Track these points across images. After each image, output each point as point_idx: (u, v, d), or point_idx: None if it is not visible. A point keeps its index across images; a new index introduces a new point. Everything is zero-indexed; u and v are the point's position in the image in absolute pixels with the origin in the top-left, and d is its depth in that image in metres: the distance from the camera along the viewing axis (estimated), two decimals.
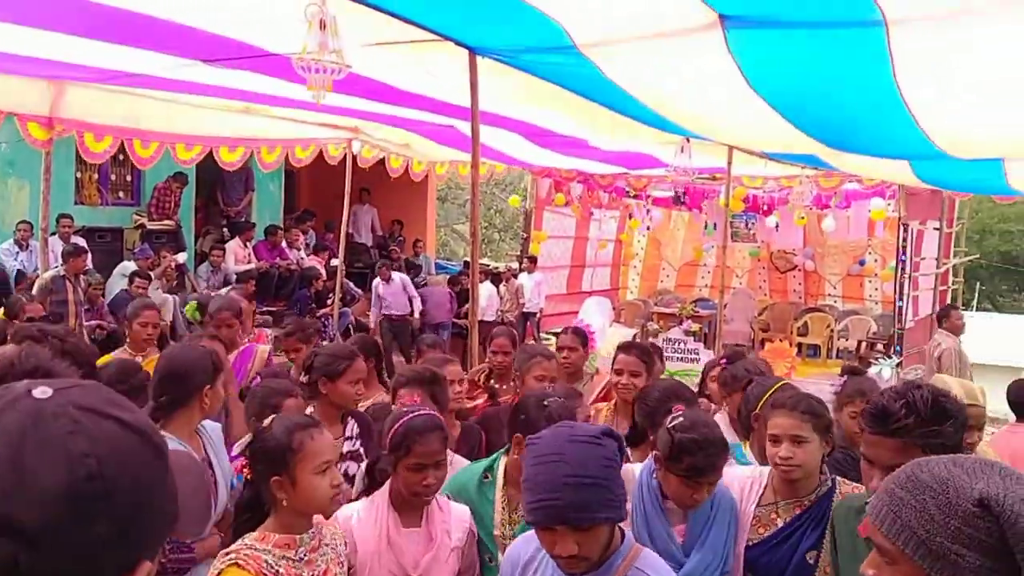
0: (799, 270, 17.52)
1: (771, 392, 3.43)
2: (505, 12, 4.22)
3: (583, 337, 5.35)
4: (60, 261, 9.31)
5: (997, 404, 9.93)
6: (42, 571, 0.89)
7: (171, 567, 3.02)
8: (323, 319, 11.23)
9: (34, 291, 8.01)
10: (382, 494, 2.81)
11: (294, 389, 3.91)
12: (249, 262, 12.43)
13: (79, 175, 11.95)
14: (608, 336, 10.98)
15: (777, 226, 14.75)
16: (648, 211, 15.94)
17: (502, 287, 14.06)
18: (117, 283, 10.24)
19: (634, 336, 13.37)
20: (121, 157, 9.95)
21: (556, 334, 14.59)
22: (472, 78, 5.10)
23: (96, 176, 12.24)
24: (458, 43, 4.85)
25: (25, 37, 5.00)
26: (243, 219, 13.77)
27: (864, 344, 14.19)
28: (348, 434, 3.83)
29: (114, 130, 8.06)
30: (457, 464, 3.33)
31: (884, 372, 10.93)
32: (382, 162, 10.91)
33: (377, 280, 12.68)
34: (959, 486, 1.34)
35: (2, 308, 6.93)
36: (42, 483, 0.89)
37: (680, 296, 17.08)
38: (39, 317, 6.19)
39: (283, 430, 2.49)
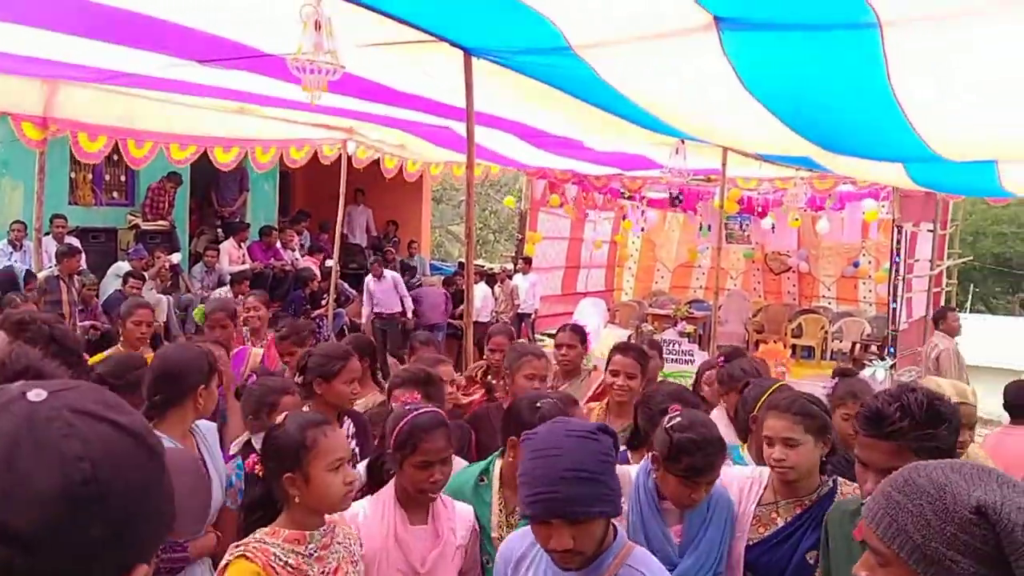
0: (793, 272, 17.55)
1: (768, 393, 3.43)
2: (501, 13, 4.23)
3: (581, 334, 5.37)
4: (54, 261, 9.29)
5: (991, 406, 9.96)
6: (37, 575, 0.89)
7: (164, 567, 3.01)
8: (318, 320, 11.21)
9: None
10: (388, 491, 2.81)
11: (291, 386, 3.92)
12: (243, 263, 12.41)
13: (73, 175, 11.92)
14: (603, 337, 10.97)
15: (773, 227, 14.78)
16: (643, 212, 15.95)
17: (497, 288, 14.06)
18: (111, 283, 10.23)
19: (629, 337, 13.40)
20: (115, 157, 9.92)
21: (551, 335, 14.63)
22: (467, 79, 5.10)
23: (90, 176, 12.22)
24: (453, 44, 4.85)
25: (19, 36, 4.99)
26: (237, 220, 13.75)
27: (858, 346, 14.22)
28: (345, 434, 3.83)
29: (108, 130, 8.04)
30: (456, 464, 3.33)
31: (878, 374, 10.93)
32: (377, 163, 10.90)
33: (369, 277, 12.73)
34: (956, 492, 1.35)
35: None
36: (36, 487, 0.89)
37: (675, 297, 17.10)
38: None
39: (296, 427, 2.49)
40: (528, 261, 14.65)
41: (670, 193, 14.89)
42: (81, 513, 0.90)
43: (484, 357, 5.63)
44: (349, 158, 10.22)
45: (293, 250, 13.51)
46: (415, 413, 2.82)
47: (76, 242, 10.39)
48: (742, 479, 3.04)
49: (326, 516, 2.53)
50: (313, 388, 3.98)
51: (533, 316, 14.52)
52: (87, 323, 9.12)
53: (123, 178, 12.83)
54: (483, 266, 16.71)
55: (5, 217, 10.77)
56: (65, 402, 0.96)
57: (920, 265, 13.02)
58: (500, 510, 3.09)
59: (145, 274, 10.18)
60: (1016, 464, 5.50)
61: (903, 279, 12.28)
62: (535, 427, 2.36)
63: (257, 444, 3.59)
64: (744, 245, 17.21)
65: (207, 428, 3.46)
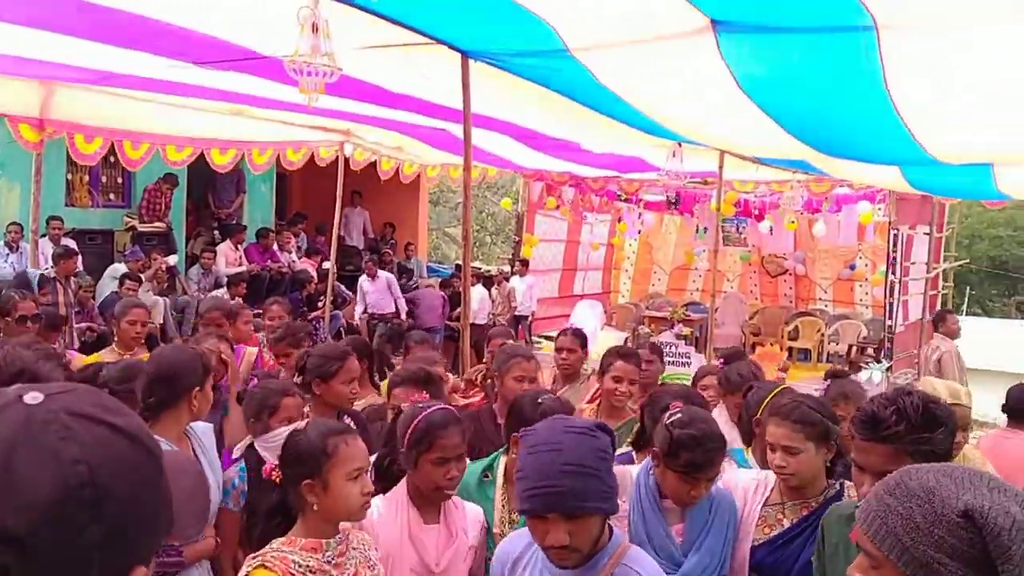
0: (790, 274, 17.56)
1: (771, 396, 3.44)
2: (498, 15, 4.23)
3: (582, 339, 5.39)
4: (50, 263, 9.28)
5: (987, 408, 9.97)
6: None
7: (158, 570, 3.00)
8: (314, 322, 11.21)
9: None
10: (400, 490, 2.81)
11: (291, 388, 3.91)
12: (240, 265, 12.40)
13: (70, 177, 11.91)
14: (599, 340, 10.98)
15: (771, 230, 14.79)
16: (640, 215, 15.96)
17: (494, 290, 14.06)
18: (107, 285, 10.21)
19: (625, 340, 13.40)
20: (112, 159, 9.91)
21: (548, 337, 14.65)
22: (464, 81, 5.10)
23: (87, 178, 12.21)
24: (451, 47, 4.85)
25: (16, 37, 4.99)
26: (234, 221, 13.75)
27: (854, 348, 14.23)
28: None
29: (105, 131, 8.04)
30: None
31: (874, 376, 10.95)
32: (374, 165, 10.90)
33: (363, 276, 12.75)
34: (945, 496, 1.36)
35: None
36: (34, 490, 0.89)
37: (671, 300, 17.09)
38: (31, 315, 6.16)
39: (318, 434, 2.48)
40: (525, 263, 14.65)
41: (667, 196, 14.89)
42: (78, 516, 0.90)
43: (483, 360, 5.63)
44: (346, 160, 10.21)
45: (290, 252, 13.50)
46: (429, 410, 2.83)
47: (72, 244, 10.37)
48: (747, 482, 3.05)
49: (340, 524, 2.52)
50: (312, 389, 3.98)
51: (530, 318, 14.52)
52: (83, 325, 9.11)
53: (120, 180, 12.81)
54: (480, 268, 16.70)
55: (1, 219, 10.75)
56: (62, 405, 0.95)
57: (916, 268, 13.01)
58: (503, 506, 3.10)
59: (141, 276, 10.16)
60: (1015, 467, 5.51)
61: (899, 282, 12.29)
62: (536, 422, 2.37)
63: (260, 447, 3.60)
64: (741, 248, 17.22)
65: (202, 430, 3.45)
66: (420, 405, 2.92)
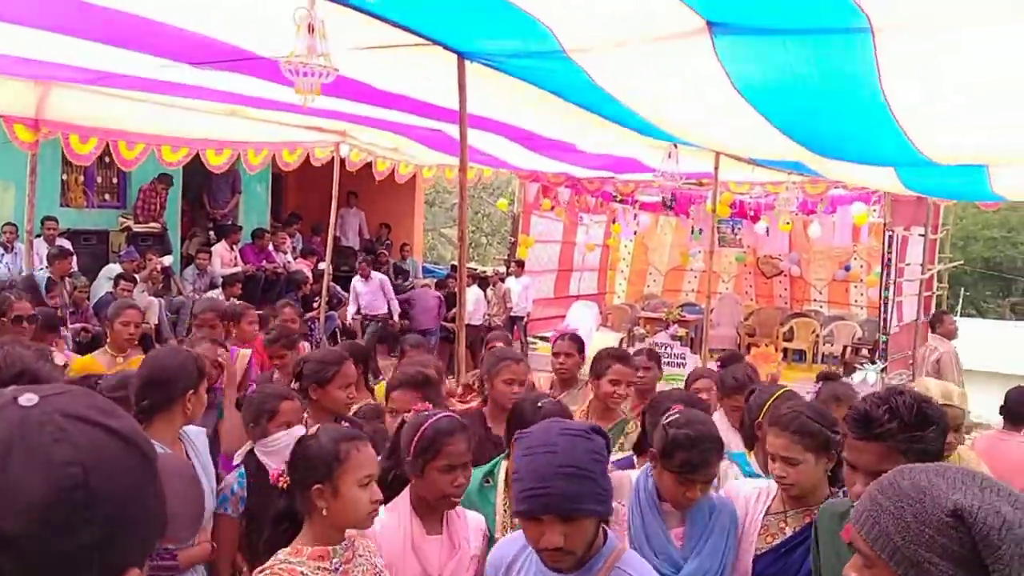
0: (785, 275, 17.59)
1: (772, 399, 3.44)
2: (494, 16, 4.23)
3: (580, 344, 5.37)
4: (45, 264, 9.26)
5: (981, 408, 9.99)
6: None
7: (152, 574, 2.99)
8: (310, 323, 11.21)
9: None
10: (403, 501, 2.79)
11: (290, 392, 3.91)
12: (235, 265, 12.38)
13: (65, 177, 11.88)
14: (595, 340, 10.99)
15: (768, 231, 14.81)
16: (635, 216, 15.97)
17: (489, 291, 14.05)
18: (102, 286, 10.18)
19: (620, 341, 13.41)
20: (107, 159, 9.91)
21: (543, 338, 14.65)
22: (460, 83, 5.11)
23: (82, 178, 12.18)
24: (447, 48, 4.86)
25: (12, 36, 4.98)
26: (230, 222, 13.72)
27: (849, 349, 14.26)
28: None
29: (100, 132, 8.03)
30: None
31: (869, 377, 10.98)
32: (369, 165, 10.90)
33: (356, 277, 12.75)
34: (936, 495, 1.36)
35: None
36: (27, 492, 0.89)
37: (667, 301, 17.12)
38: (27, 316, 6.15)
39: (330, 439, 2.47)
40: (521, 264, 14.65)
41: (662, 197, 14.90)
42: (72, 518, 0.90)
43: (479, 363, 5.62)
44: (342, 161, 10.21)
45: (285, 253, 13.49)
46: (435, 418, 2.81)
47: (67, 244, 10.35)
48: (748, 491, 3.03)
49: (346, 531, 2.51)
50: (309, 394, 3.98)
51: (525, 319, 14.52)
52: (78, 326, 9.09)
53: (115, 180, 12.79)
54: (476, 269, 16.70)
55: None
56: (57, 407, 0.95)
57: (911, 269, 13.04)
58: (505, 511, 3.10)
59: (136, 276, 10.15)
60: (1012, 469, 5.52)
61: (894, 283, 12.32)
62: None
63: (259, 452, 3.60)
64: (736, 249, 17.25)
65: (196, 434, 3.44)
66: (425, 413, 2.90)
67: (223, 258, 12.39)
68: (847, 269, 16.51)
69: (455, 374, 5.66)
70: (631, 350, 7.00)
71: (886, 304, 12.33)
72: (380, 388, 5.25)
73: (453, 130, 6.07)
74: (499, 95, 5.76)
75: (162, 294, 10.81)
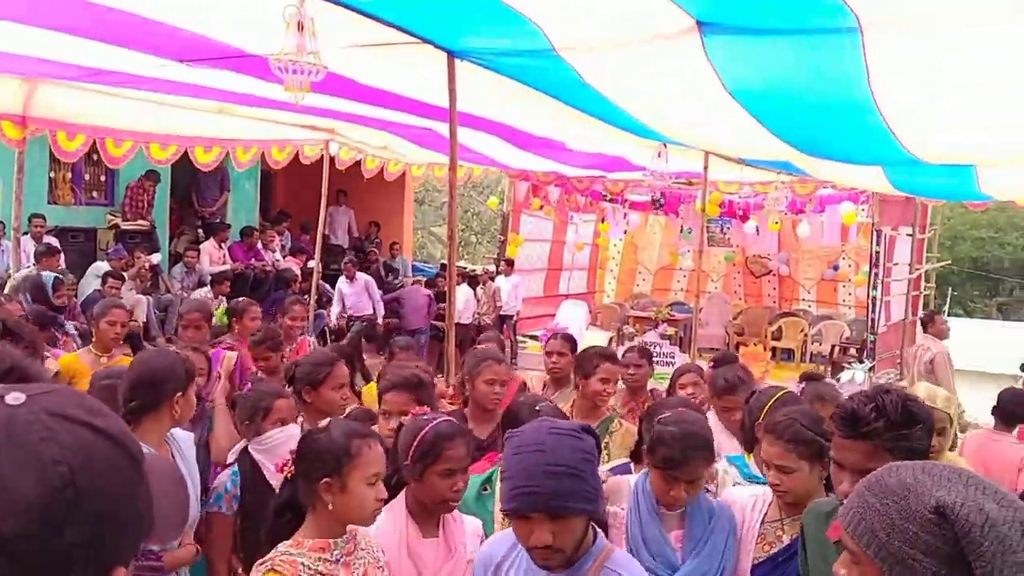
0: (774, 275, 17.64)
1: (772, 402, 3.44)
2: (484, 14, 4.23)
3: (572, 343, 5.40)
4: (32, 261, 9.21)
5: (968, 407, 10.02)
6: None
7: (136, 575, 2.98)
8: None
9: (6, 291, 7.92)
10: (399, 503, 2.78)
11: (284, 391, 3.91)
12: (224, 263, 12.35)
13: (52, 174, 11.82)
14: (584, 340, 11.00)
15: (757, 230, 14.86)
16: (625, 215, 16.00)
17: (479, 290, 14.06)
18: (90, 284, 10.14)
19: (610, 340, 13.43)
20: (95, 157, 9.85)
21: (533, 337, 14.67)
22: (451, 81, 5.10)
23: (70, 176, 12.12)
24: (437, 46, 4.85)
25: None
26: (218, 220, 13.68)
27: (837, 348, 14.31)
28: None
29: (87, 129, 8.00)
30: None
31: (857, 376, 11.02)
32: (359, 163, 10.88)
33: (341, 278, 12.69)
34: (920, 492, 1.37)
35: None
36: (13, 491, 0.89)
37: (656, 300, 17.15)
38: (17, 316, 6.13)
39: (342, 433, 2.46)
40: (510, 263, 14.66)
41: (652, 196, 14.94)
42: (59, 517, 0.90)
43: None
44: (332, 159, 10.19)
45: (273, 251, 13.46)
46: (435, 422, 2.80)
47: (55, 242, 10.31)
48: (744, 499, 3.04)
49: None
50: (302, 397, 3.98)
51: (515, 318, 14.52)
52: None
53: (103, 178, 12.73)
54: (465, 268, 16.70)
55: None
56: (44, 406, 0.95)
57: (899, 269, 13.11)
58: (503, 519, 3.09)
59: (124, 274, 10.11)
60: (1003, 469, 5.55)
61: (882, 282, 12.38)
62: None
63: (254, 450, 3.59)
64: (725, 248, 17.29)
65: (183, 438, 3.41)
66: (424, 417, 2.88)
67: (211, 256, 12.35)
68: (835, 269, 16.57)
69: (444, 374, 5.64)
70: (621, 349, 7.02)
71: (874, 303, 12.40)
72: (370, 389, 5.23)
73: (443, 128, 6.07)
74: (489, 91, 5.75)
75: (150, 292, 10.78)
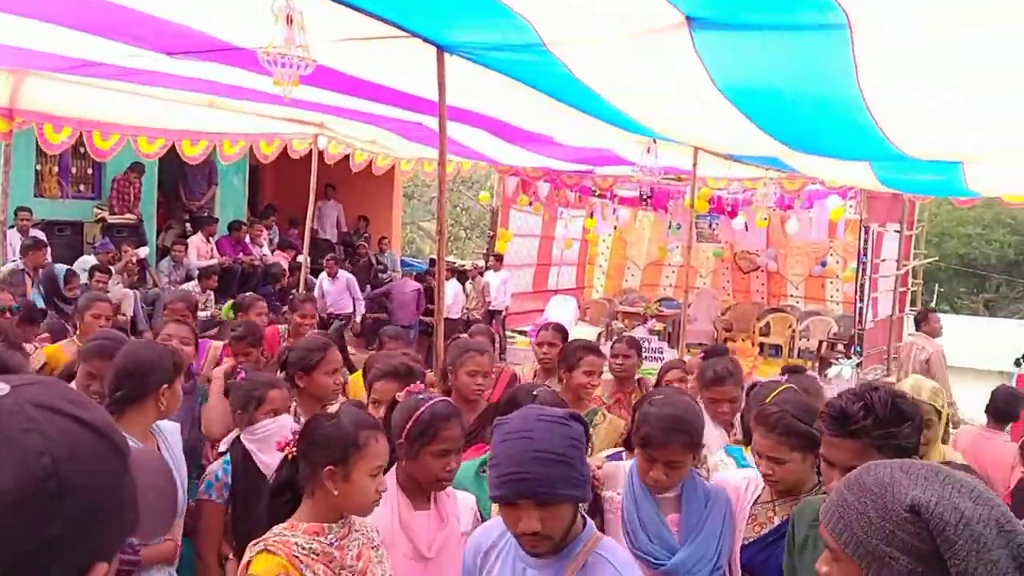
0: (762, 271, 17.70)
1: (772, 396, 3.44)
2: (473, 8, 4.23)
3: (564, 334, 5.44)
4: (18, 255, 9.16)
5: (959, 404, 10.04)
6: None
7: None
8: (286, 315, 11.16)
9: None
10: (390, 478, 2.78)
11: (278, 381, 3.91)
12: (212, 257, 12.31)
13: (39, 167, 11.76)
14: (573, 335, 11.01)
15: (746, 226, 14.91)
16: (614, 211, 16.02)
17: (468, 285, 14.06)
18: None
19: (599, 335, 13.46)
20: (82, 150, 9.80)
21: (521, 332, 14.68)
22: (440, 76, 5.08)
23: (56, 169, 12.05)
24: (426, 40, 4.83)
25: None
26: (206, 214, 13.63)
27: (825, 344, 14.37)
28: None
29: (74, 122, 7.95)
30: None
31: (844, 372, 11.08)
32: (348, 158, 10.86)
33: (323, 274, 12.61)
34: (896, 491, 1.39)
35: None
36: None
37: (645, 295, 17.20)
38: (8, 307, 6.10)
39: (351, 423, 2.46)
40: (499, 258, 14.66)
41: (640, 191, 14.95)
42: (41, 508, 0.89)
43: None
44: (320, 153, 10.16)
45: (261, 245, 13.42)
46: (431, 402, 2.82)
47: (41, 235, 10.26)
48: (737, 480, 3.06)
49: None
50: (295, 382, 3.98)
51: (504, 313, 14.54)
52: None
53: (90, 171, 12.67)
54: (454, 263, 16.70)
55: None
56: (27, 396, 0.94)
57: (886, 265, 13.18)
58: None
59: (112, 268, 10.07)
60: (996, 467, 5.58)
61: (869, 279, 12.43)
62: None
63: (246, 439, 3.59)
64: (714, 244, 17.34)
65: (169, 429, 3.39)
66: (419, 396, 2.89)
67: (199, 250, 12.31)
68: (823, 265, 16.65)
69: (433, 368, 5.63)
70: (609, 344, 7.04)
71: (861, 297, 12.45)
72: (356, 379, 5.23)
73: (432, 122, 6.05)
74: (478, 86, 5.74)
75: (137, 286, 10.74)
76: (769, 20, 3.86)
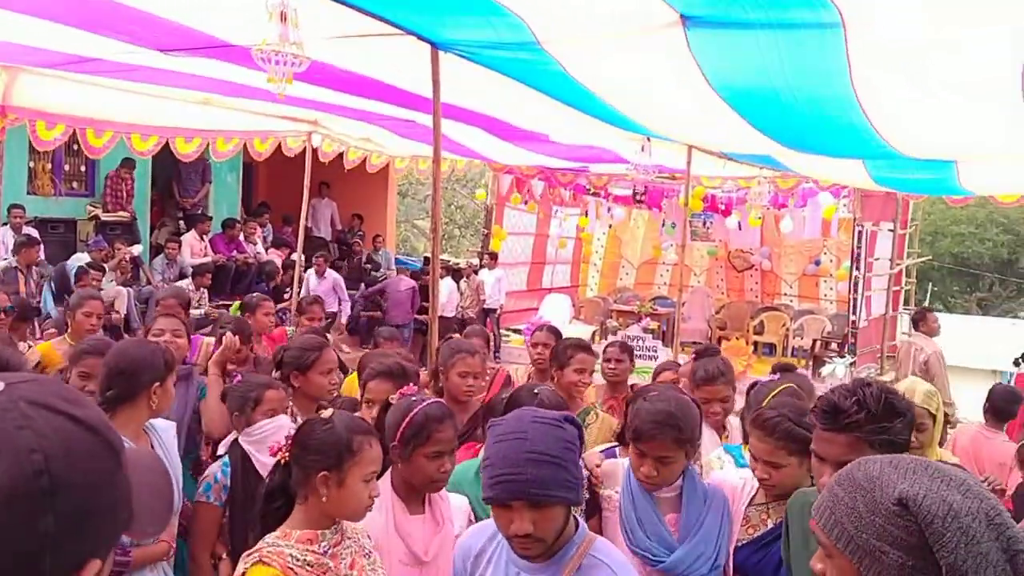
0: (756, 269, 17.72)
1: (772, 396, 3.45)
2: (467, 6, 4.22)
3: (558, 334, 5.43)
4: (11, 252, 9.14)
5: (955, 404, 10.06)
6: None
7: None
8: (281, 313, 11.15)
9: None
10: (384, 482, 2.77)
11: (274, 381, 3.90)
12: (205, 255, 12.30)
13: (32, 165, 11.73)
14: (567, 333, 11.01)
15: (740, 225, 14.92)
16: (609, 209, 16.03)
17: (463, 283, 14.05)
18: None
19: (593, 334, 13.46)
20: (75, 147, 9.77)
21: (516, 331, 14.68)
22: (434, 74, 5.08)
23: (49, 166, 12.03)
24: (420, 37, 4.83)
25: None
26: (199, 211, 13.61)
27: (818, 343, 14.39)
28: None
29: (67, 119, 7.93)
30: None
31: (838, 370, 11.10)
32: (342, 156, 10.84)
33: (311, 272, 12.51)
34: (884, 485, 1.39)
35: None
36: None
37: (639, 294, 17.20)
38: (3, 307, 6.09)
39: (345, 428, 2.45)
40: (494, 256, 14.65)
41: (634, 190, 14.96)
42: (33, 505, 0.89)
43: None
44: (314, 151, 10.15)
45: (255, 243, 13.40)
46: (424, 404, 2.81)
47: (35, 233, 10.24)
48: (733, 481, 3.06)
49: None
50: (291, 382, 3.97)
51: (498, 311, 14.53)
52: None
53: (83, 168, 12.64)
54: (449, 261, 16.69)
55: None
56: (22, 394, 0.95)
57: (880, 264, 13.21)
58: None
59: (105, 266, 10.05)
60: (994, 465, 5.58)
61: (863, 277, 12.46)
62: None
63: (244, 441, 3.57)
64: (708, 243, 17.35)
65: (164, 428, 3.37)
66: (412, 398, 2.88)
67: (193, 248, 12.30)
68: (817, 263, 16.67)
69: (428, 366, 5.63)
70: (603, 343, 7.04)
71: (855, 292, 12.48)
72: (350, 381, 5.22)
73: (426, 119, 6.04)
74: (473, 83, 5.73)
75: (131, 284, 10.72)
76: (763, 18, 3.86)
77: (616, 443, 3.67)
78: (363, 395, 3.91)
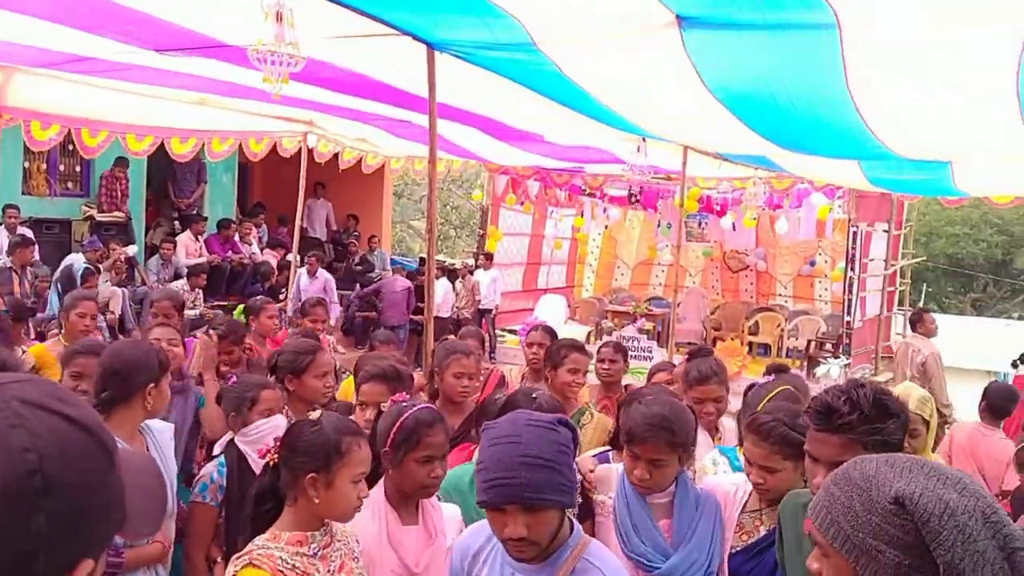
0: (751, 270, 17.73)
1: (769, 398, 3.45)
2: (463, 7, 4.23)
3: (553, 334, 5.43)
4: (6, 253, 9.13)
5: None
6: None
7: None
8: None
9: None
10: (378, 491, 2.77)
11: (269, 382, 3.90)
12: (200, 256, 12.28)
13: (27, 165, 11.71)
14: (563, 334, 11.02)
15: (734, 226, 14.93)
16: (604, 209, 16.03)
17: (458, 283, 14.05)
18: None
19: (588, 334, 13.47)
20: (70, 147, 9.76)
21: (511, 331, 14.67)
22: (430, 76, 5.08)
23: (44, 166, 12.01)
24: (416, 38, 4.83)
25: None
26: (195, 212, 13.59)
27: (813, 343, 14.40)
28: None
29: (62, 119, 7.91)
30: None
31: (833, 371, 11.11)
32: (337, 156, 10.83)
33: (303, 271, 12.44)
34: (880, 484, 1.39)
35: None
36: None
37: (634, 294, 17.19)
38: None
39: (334, 430, 2.45)
40: (489, 257, 14.65)
41: (629, 191, 14.96)
42: (26, 504, 0.89)
43: None
44: (310, 151, 10.14)
45: (250, 244, 13.38)
46: (415, 409, 2.81)
47: (29, 233, 10.22)
48: (725, 487, 3.05)
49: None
50: (285, 385, 3.97)
51: (494, 312, 14.53)
52: (40, 316, 8.97)
53: (78, 168, 12.62)
54: (444, 262, 16.68)
55: None
56: (15, 393, 0.95)
57: (875, 265, 13.21)
58: None
59: (100, 266, 10.03)
60: (992, 463, 5.60)
61: (858, 278, 12.47)
62: None
63: (240, 442, 3.57)
64: (703, 243, 17.36)
65: (160, 429, 3.37)
66: (403, 404, 2.88)
67: (188, 248, 12.28)
68: (812, 264, 16.68)
69: (423, 367, 5.62)
70: (598, 343, 7.04)
71: (850, 293, 12.49)
72: (347, 384, 5.21)
73: (421, 119, 6.04)
74: (468, 84, 5.74)
75: (126, 284, 10.70)
76: (758, 19, 3.87)
77: (609, 447, 3.67)
78: (357, 398, 3.91)
